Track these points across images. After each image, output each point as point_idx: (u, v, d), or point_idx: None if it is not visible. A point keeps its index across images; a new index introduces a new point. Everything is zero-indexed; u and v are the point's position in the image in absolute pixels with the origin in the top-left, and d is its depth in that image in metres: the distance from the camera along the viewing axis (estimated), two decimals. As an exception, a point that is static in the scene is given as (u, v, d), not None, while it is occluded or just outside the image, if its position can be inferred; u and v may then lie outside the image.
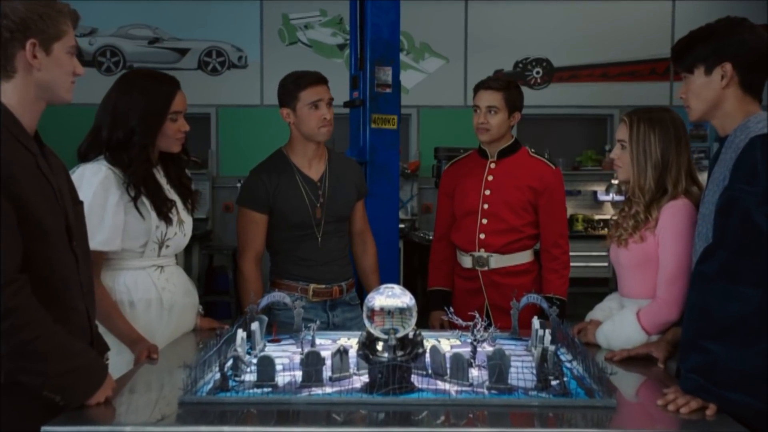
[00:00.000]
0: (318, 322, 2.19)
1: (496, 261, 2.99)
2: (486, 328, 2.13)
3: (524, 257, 3.03)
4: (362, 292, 3.81)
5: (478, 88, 3.01)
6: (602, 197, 7.55)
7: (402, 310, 1.71)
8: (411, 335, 1.78)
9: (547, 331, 2.00)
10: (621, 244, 2.35)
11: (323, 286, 2.84)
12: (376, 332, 1.73)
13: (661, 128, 2.30)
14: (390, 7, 3.88)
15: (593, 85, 7.65)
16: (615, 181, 7.41)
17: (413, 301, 1.74)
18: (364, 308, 1.74)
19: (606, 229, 7.26)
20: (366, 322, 1.74)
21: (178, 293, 2.42)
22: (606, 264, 7.01)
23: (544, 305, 2.27)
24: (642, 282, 2.30)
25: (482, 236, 2.99)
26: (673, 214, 2.24)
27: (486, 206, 3.01)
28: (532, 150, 3.10)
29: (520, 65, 7.63)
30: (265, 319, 2.27)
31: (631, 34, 7.54)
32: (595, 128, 7.91)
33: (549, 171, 3.04)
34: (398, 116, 3.97)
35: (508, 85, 2.98)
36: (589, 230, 7.22)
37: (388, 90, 3.95)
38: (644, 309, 2.23)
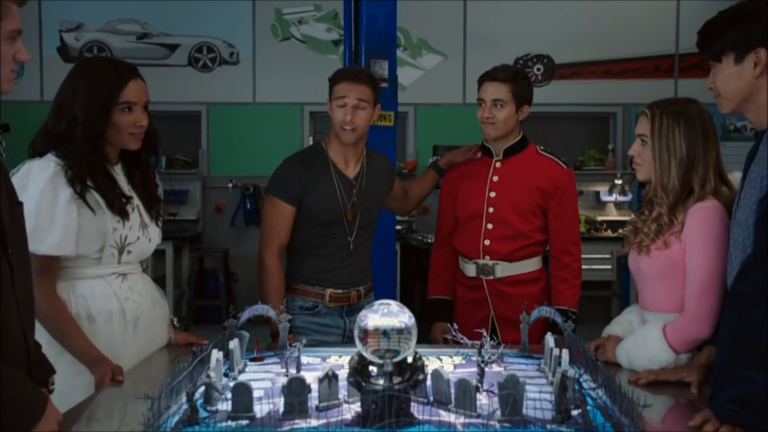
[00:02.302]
0: (304, 341, 1.94)
1: (503, 269, 2.74)
2: (494, 346, 1.90)
3: (532, 265, 2.78)
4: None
5: (483, 79, 2.75)
6: (605, 198, 7.37)
7: (400, 331, 1.46)
8: (410, 359, 1.54)
9: (564, 351, 1.76)
10: (642, 250, 2.11)
11: (340, 291, 2.65)
12: (370, 356, 1.49)
13: (687, 121, 2.06)
14: (386, -3, 3.69)
15: (596, 83, 7.49)
16: (618, 181, 7.22)
17: (413, 320, 1.50)
18: (356, 328, 1.50)
19: (608, 231, 7.12)
20: (358, 344, 1.50)
21: (143, 304, 2.17)
22: (609, 267, 6.84)
23: (558, 320, 2.03)
24: (666, 293, 2.06)
25: (487, 242, 2.75)
26: (701, 217, 2.01)
27: (491, 210, 2.76)
28: (541, 147, 2.84)
29: (521, 62, 7.46)
30: (246, 335, 2.03)
31: (634, 29, 7.38)
32: (597, 127, 7.75)
33: (560, 171, 2.78)
34: (395, 112, 3.80)
35: (516, 75, 2.72)
36: (591, 232, 7.07)
37: (384, 84, 3.78)
38: (671, 324, 1.98)
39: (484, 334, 1.79)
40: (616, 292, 7.15)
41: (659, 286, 2.09)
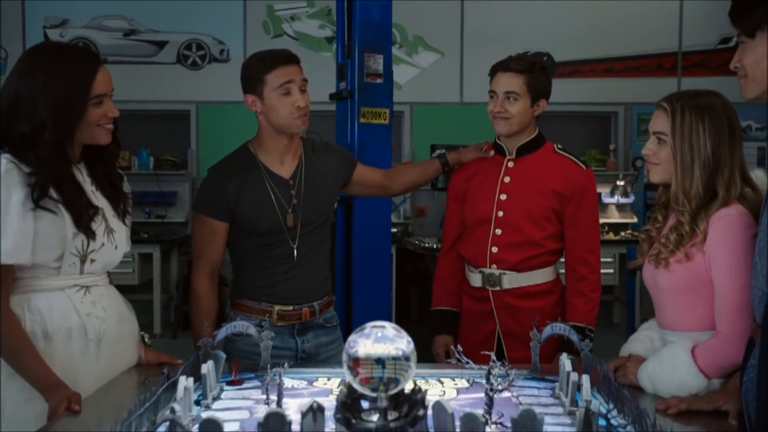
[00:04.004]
0: (286, 366, 1.70)
1: (510, 280, 2.49)
2: (503, 366, 1.68)
3: (545, 275, 2.53)
4: (345, 309, 3.40)
5: (495, 70, 2.50)
6: (607, 200, 7.15)
7: (396, 360, 1.24)
8: (408, 390, 1.31)
9: (585, 378, 1.53)
10: (660, 263, 1.87)
11: (290, 308, 2.36)
12: (361, 388, 1.27)
13: (712, 118, 1.84)
14: (381, -13, 3.50)
15: (597, 81, 7.30)
16: (620, 183, 7.01)
17: (411, 346, 1.27)
18: (344, 355, 1.28)
19: (610, 234, 6.90)
20: (347, 373, 1.28)
21: (109, 320, 1.93)
22: (611, 271, 6.63)
23: (574, 338, 1.81)
24: (690, 311, 1.84)
25: (494, 250, 2.50)
26: (725, 226, 1.78)
27: (501, 214, 2.50)
28: (558, 146, 2.59)
29: (519, 60, 7.23)
30: (223, 356, 1.79)
31: (636, 26, 7.20)
32: (598, 126, 7.56)
33: (578, 172, 2.51)
34: (390, 110, 3.62)
35: (533, 66, 2.47)
36: (593, 235, 6.81)
37: (379, 80, 3.61)
38: (702, 347, 1.76)
39: (493, 358, 1.56)
40: (619, 297, 6.95)
41: (682, 302, 1.86)
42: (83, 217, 1.85)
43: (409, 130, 7.24)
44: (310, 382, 1.85)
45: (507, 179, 2.52)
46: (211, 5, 7.11)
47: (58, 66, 1.85)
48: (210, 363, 1.71)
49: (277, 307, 2.34)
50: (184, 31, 7.17)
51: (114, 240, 1.97)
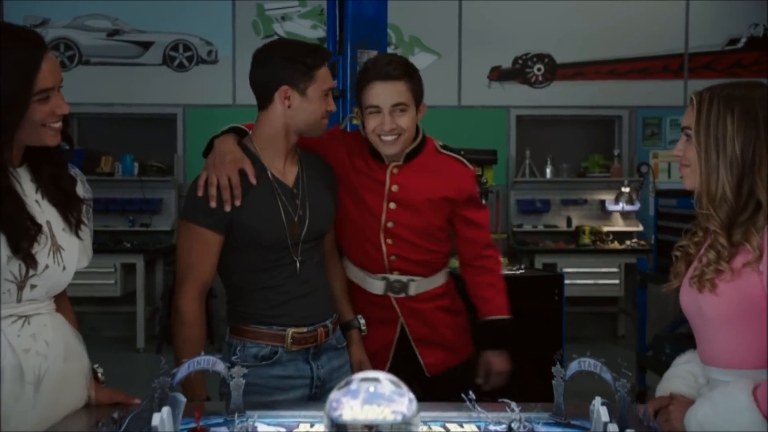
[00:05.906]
0: (254, 418, 1.39)
1: (417, 286, 2.32)
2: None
3: (445, 276, 2.40)
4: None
5: (371, 78, 2.16)
6: (611, 207, 6.91)
7: (395, 427, 0.94)
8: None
9: (631, 434, 1.23)
10: (704, 286, 1.57)
11: (305, 329, 2.07)
12: (348, 461, 0.97)
13: (743, 109, 1.52)
14: (375, -22, 3.29)
15: (600, 84, 7.08)
16: (625, 189, 6.73)
17: (414, 406, 0.97)
18: (325, 418, 0.97)
19: (615, 243, 6.63)
20: (329, 441, 0.97)
21: (52, 356, 1.60)
22: (617, 281, 6.37)
23: (607, 376, 1.50)
24: (743, 344, 1.52)
25: (393, 258, 2.29)
26: None
27: (390, 225, 2.27)
28: (440, 143, 2.37)
29: (520, 61, 7.08)
30: (183, 399, 1.48)
31: (641, 27, 6.99)
32: (602, 131, 7.32)
33: (468, 175, 2.35)
34: None
35: (407, 68, 2.20)
36: (597, 243, 6.68)
37: None
38: (764, 387, 1.45)
39: (513, 406, 1.26)
40: (624, 309, 6.67)
41: (732, 333, 1.54)
42: (23, 241, 1.53)
43: (405, 134, 6.99)
44: (290, 430, 1.54)
45: (395, 188, 2.26)
46: (198, 4, 6.89)
47: None
48: (165, 410, 1.39)
49: (291, 330, 2.05)
50: (170, 32, 6.96)
51: (61, 260, 1.64)
